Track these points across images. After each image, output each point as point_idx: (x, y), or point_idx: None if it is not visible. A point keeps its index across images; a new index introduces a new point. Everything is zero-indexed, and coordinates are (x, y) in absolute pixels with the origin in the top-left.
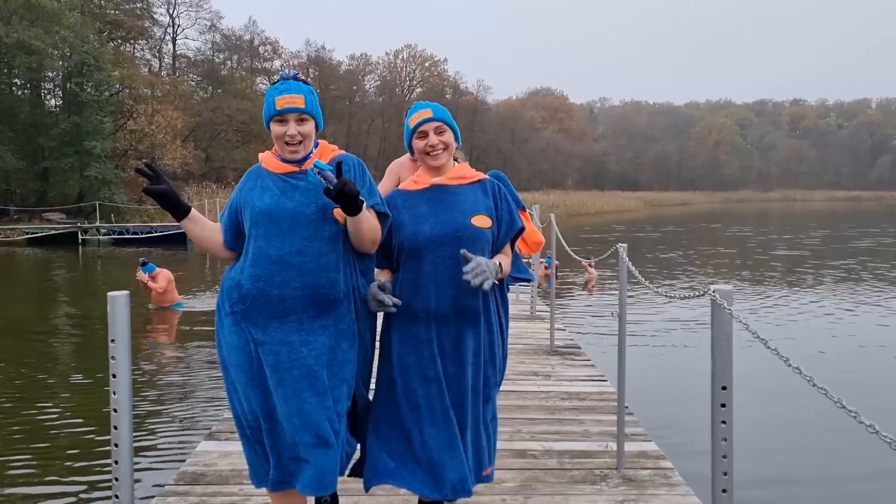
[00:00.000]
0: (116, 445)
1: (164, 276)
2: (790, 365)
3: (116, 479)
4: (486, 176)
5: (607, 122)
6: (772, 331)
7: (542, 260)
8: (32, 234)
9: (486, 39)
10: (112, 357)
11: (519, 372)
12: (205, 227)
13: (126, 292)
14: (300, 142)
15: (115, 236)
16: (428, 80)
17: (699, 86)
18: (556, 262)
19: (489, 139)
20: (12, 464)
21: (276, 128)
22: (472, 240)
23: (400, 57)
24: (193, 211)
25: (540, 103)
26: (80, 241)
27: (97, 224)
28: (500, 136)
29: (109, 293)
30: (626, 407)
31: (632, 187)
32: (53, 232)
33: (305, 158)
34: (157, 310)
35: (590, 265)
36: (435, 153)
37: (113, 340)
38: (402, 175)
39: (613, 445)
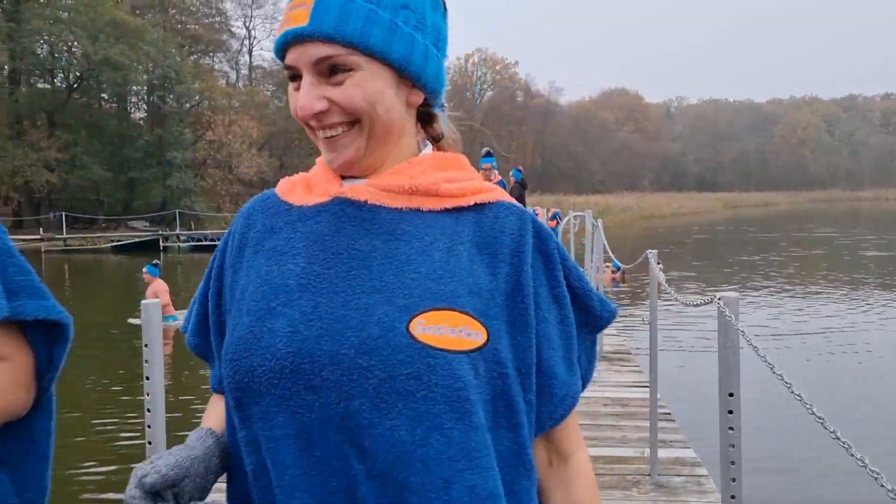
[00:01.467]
0: (150, 443)
1: (160, 287)
2: (792, 391)
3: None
4: (501, 197)
5: (685, 121)
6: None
7: (608, 264)
8: (117, 241)
9: (557, 40)
10: (146, 360)
11: None
12: None
13: (158, 300)
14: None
15: (194, 243)
16: (498, 83)
17: (782, 82)
18: (624, 266)
19: (561, 141)
20: (71, 455)
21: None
22: (417, 379)
23: (471, 61)
24: None
25: (614, 104)
26: (161, 248)
27: (177, 231)
28: (572, 139)
29: (143, 301)
30: (668, 414)
31: (711, 188)
32: (137, 240)
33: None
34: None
35: (612, 270)
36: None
37: (146, 345)
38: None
39: (649, 452)
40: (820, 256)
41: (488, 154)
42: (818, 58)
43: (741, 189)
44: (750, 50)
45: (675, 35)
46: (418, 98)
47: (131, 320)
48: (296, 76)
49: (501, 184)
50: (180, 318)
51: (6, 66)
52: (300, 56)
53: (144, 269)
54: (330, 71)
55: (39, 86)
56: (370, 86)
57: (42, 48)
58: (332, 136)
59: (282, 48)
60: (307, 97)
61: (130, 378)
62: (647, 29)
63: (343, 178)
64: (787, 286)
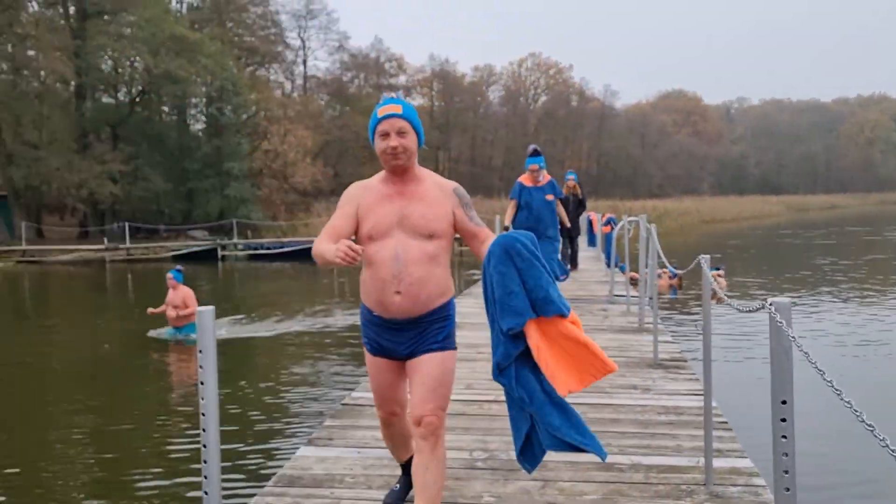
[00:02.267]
0: (205, 446)
1: (188, 294)
2: (842, 398)
3: (206, 477)
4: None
5: (746, 122)
6: None
7: (663, 269)
8: (177, 251)
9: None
10: (200, 366)
11: (617, 385)
12: None
13: (212, 307)
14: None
15: (251, 252)
16: (552, 87)
17: (848, 80)
18: (680, 271)
19: (617, 145)
20: (120, 455)
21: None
22: None
23: (524, 66)
24: None
25: (671, 106)
26: (219, 257)
27: (234, 241)
28: (628, 142)
29: (198, 308)
30: (725, 422)
31: (774, 191)
32: (196, 249)
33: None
34: (170, 339)
35: (669, 276)
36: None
37: (201, 351)
38: (363, 199)
39: (704, 461)
40: (889, 260)
41: (535, 153)
42: (887, 55)
43: (806, 191)
44: (814, 49)
45: (735, 35)
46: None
47: (152, 333)
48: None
49: (552, 184)
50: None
51: (73, 82)
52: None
53: (170, 275)
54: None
55: (104, 100)
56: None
57: (106, 64)
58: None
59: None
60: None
61: (188, 385)
62: (705, 30)
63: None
64: (850, 291)
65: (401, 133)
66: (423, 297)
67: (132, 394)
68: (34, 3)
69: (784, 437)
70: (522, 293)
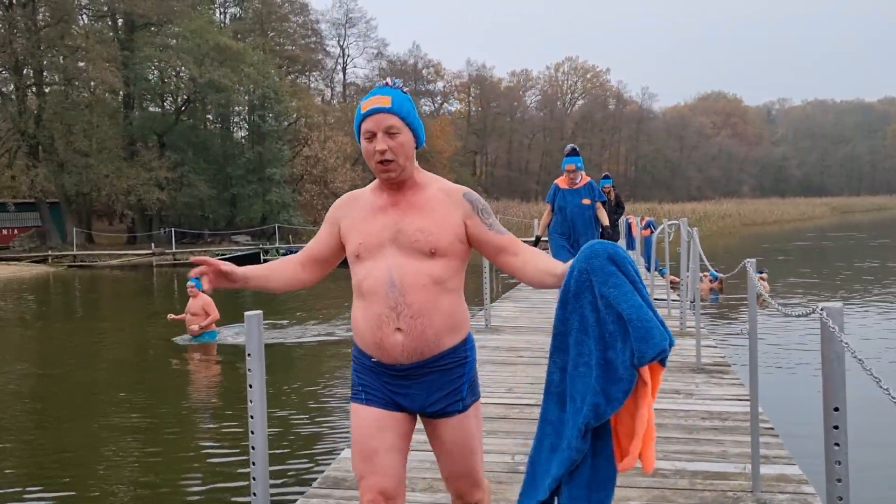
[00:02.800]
0: (253, 448)
1: (208, 302)
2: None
3: (254, 479)
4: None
5: (787, 123)
6: None
7: (705, 273)
8: (221, 255)
9: (651, 46)
10: (249, 369)
11: (659, 390)
12: None
13: (259, 312)
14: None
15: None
16: (589, 91)
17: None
18: (722, 275)
19: (655, 148)
20: (165, 457)
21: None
22: None
23: (561, 70)
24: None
25: (711, 108)
26: (262, 261)
27: (276, 245)
28: (667, 145)
29: (246, 312)
30: (771, 428)
31: (817, 193)
32: (238, 253)
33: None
34: (189, 344)
35: (710, 279)
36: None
37: (249, 354)
38: (348, 214)
39: (751, 468)
40: None
41: (572, 152)
42: None
43: (851, 193)
44: (858, 47)
45: (775, 35)
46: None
47: (177, 339)
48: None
49: (591, 186)
50: (221, 332)
51: (121, 92)
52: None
53: (190, 283)
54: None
55: (151, 109)
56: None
57: (153, 74)
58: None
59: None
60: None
61: (229, 387)
62: (743, 31)
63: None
64: None
65: (390, 133)
66: (431, 333)
67: (176, 395)
68: (84, 16)
69: (837, 444)
70: (651, 312)
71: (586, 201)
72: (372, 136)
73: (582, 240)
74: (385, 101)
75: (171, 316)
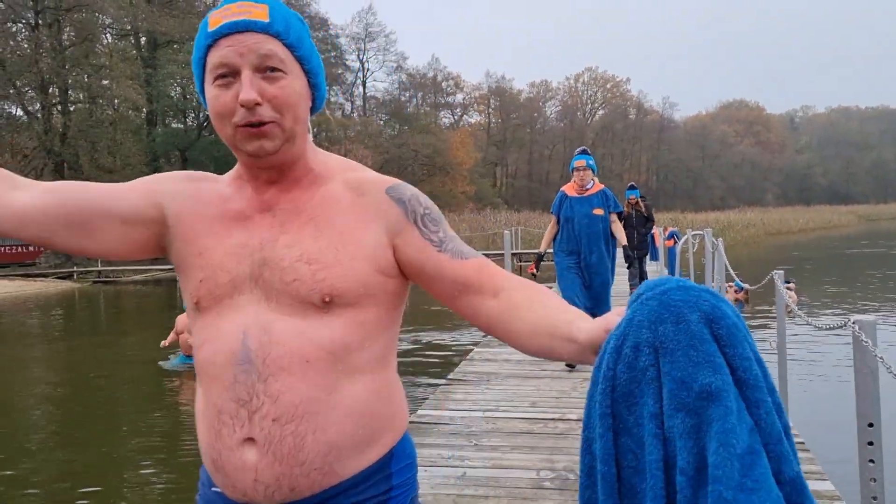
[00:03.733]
0: None
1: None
2: None
3: None
4: None
5: (811, 131)
6: None
7: (730, 284)
8: None
9: (671, 55)
10: None
11: None
12: None
13: None
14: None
15: None
16: (610, 101)
17: None
18: (747, 285)
19: (677, 158)
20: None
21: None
22: None
23: (581, 80)
24: None
25: (733, 116)
26: None
27: None
28: (688, 154)
29: None
30: (802, 443)
31: (843, 200)
32: None
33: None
34: (183, 366)
35: (735, 290)
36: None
37: None
38: (185, 208)
39: None
40: None
41: (584, 151)
42: None
43: (878, 200)
44: (882, 53)
45: (797, 42)
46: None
47: (163, 364)
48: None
49: (604, 194)
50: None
51: (144, 109)
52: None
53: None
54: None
55: (173, 125)
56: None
57: (175, 91)
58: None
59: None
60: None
61: None
62: (765, 38)
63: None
64: None
65: (267, 70)
66: (315, 452)
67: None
68: (108, 35)
69: (871, 461)
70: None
71: (598, 211)
72: (229, 77)
73: (593, 259)
74: (258, 12)
75: (164, 343)
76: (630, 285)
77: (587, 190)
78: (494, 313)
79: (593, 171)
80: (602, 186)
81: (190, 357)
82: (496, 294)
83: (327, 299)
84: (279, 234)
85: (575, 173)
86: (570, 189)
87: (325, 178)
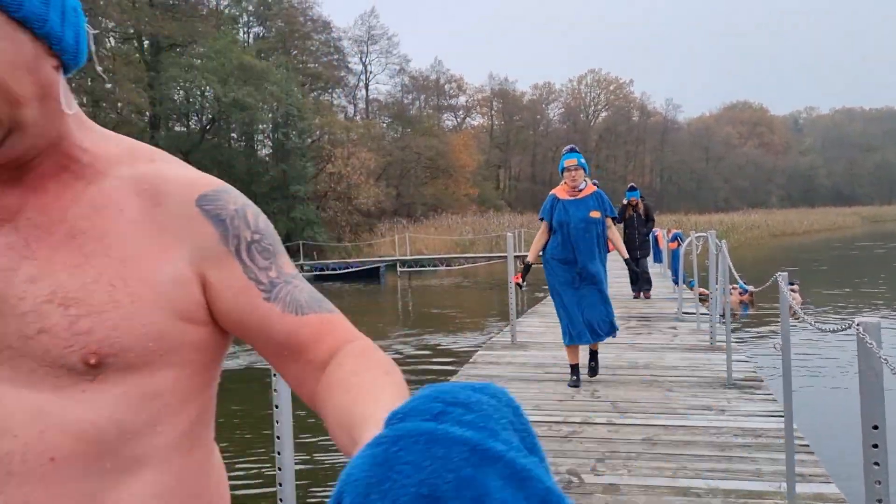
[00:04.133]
0: (280, 469)
1: None
2: None
3: (281, 500)
4: None
5: (815, 133)
6: None
7: (734, 286)
8: None
9: (674, 57)
10: (275, 390)
11: (690, 406)
12: None
13: None
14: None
15: (317, 273)
16: (613, 103)
17: None
18: (752, 287)
19: (680, 159)
20: None
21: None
22: None
23: (583, 82)
24: None
25: (736, 118)
26: None
27: (301, 262)
28: (692, 156)
29: None
30: (807, 445)
31: (847, 202)
32: None
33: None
34: None
35: (740, 292)
36: None
37: (275, 374)
38: None
39: (786, 486)
40: None
41: (574, 150)
42: None
43: (882, 202)
44: (885, 54)
45: (800, 44)
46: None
47: None
48: None
49: (599, 196)
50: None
51: (147, 112)
52: None
53: None
54: None
55: (176, 129)
56: None
57: (178, 94)
58: None
59: None
60: None
61: (260, 408)
62: (768, 39)
63: None
64: None
65: None
66: None
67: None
68: (111, 39)
69: (877, 463)
70: None
71: (595, 214)
72: None
73: (591, 268)
74: None
75: None
76: (633, 290)
77: (580, 191)
78: (317, 391)
79: (585, 171)
80: (595, 188)
81: None
82: (325, 364)
83: (93, 361)
84: (20, 260)
85: (566, 174)
86: (561, 191)
87: (101, 172)
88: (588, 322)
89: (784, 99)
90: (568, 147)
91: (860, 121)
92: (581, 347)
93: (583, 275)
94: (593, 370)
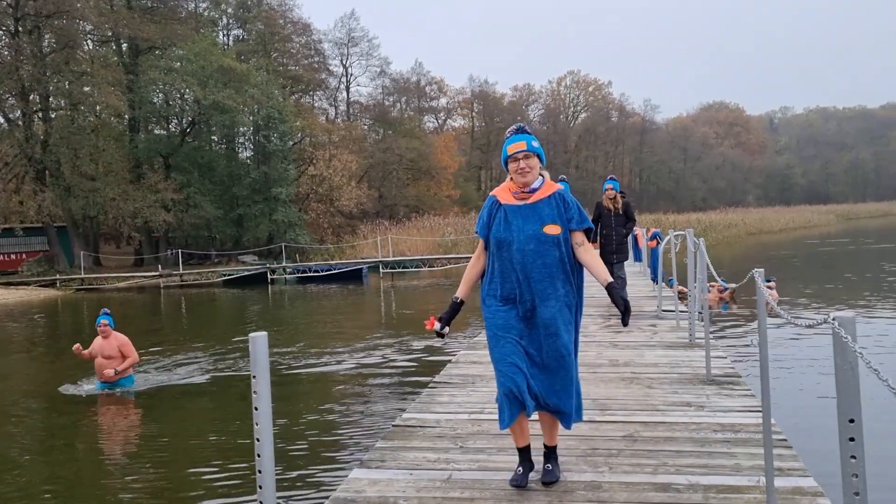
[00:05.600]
0: (260, 472)
1: (125, 342)
2: None
3: (261, 503)
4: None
5: (790, 132)
6: None
7: (714, 283)
8: (228, 275)
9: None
10: (254, 392)
11: (670, 402)
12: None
13: (265, 333)
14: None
15: (299, 274)
16: (592, 104)
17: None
18: (733, 285)
19: (659, 159)
20: (158, 493)
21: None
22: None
23: (563, 84)
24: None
25: (713, 118)
26: (269, 280)
27: (283, 264)
28: (670, 156)
29: (251, 334)
30: (785, 440)
31: (822, 200)
32: (245, 273)
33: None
34: (98, 393)
35: (719, 288)
36: None
37: (254, 376)
38: None
39: (765, 481)
40: None
41: (522, 130)
42: None
43: (856, 200)
44: (858, 55)
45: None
46: None
47: (70, 389)
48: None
49: (561, 197)
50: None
51: (126, 116)
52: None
53: (103, 320)
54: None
55: (156, 132)
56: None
57: (158, 97)
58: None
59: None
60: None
61: (241, 403)
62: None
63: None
64: None
65: None
66: None
67: (182, 417)
68: (89, 42)
69: (853, 457)
70: None
71: (552, 229)
72: None
73: (546, 313)
74: None
75: (77, 347)
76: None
77: (530, 195)
78: None
79: (541, 161)
80: (558, 187)
81: (109, 383)
82: None
83: None
84: None
85: (511, 165)
86: (504, 193)
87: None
88: (543, 400)
89: (760, 99)
90: (514, 127)
91: (834, 120)
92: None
93: (533, 321)
94: (550, 474)
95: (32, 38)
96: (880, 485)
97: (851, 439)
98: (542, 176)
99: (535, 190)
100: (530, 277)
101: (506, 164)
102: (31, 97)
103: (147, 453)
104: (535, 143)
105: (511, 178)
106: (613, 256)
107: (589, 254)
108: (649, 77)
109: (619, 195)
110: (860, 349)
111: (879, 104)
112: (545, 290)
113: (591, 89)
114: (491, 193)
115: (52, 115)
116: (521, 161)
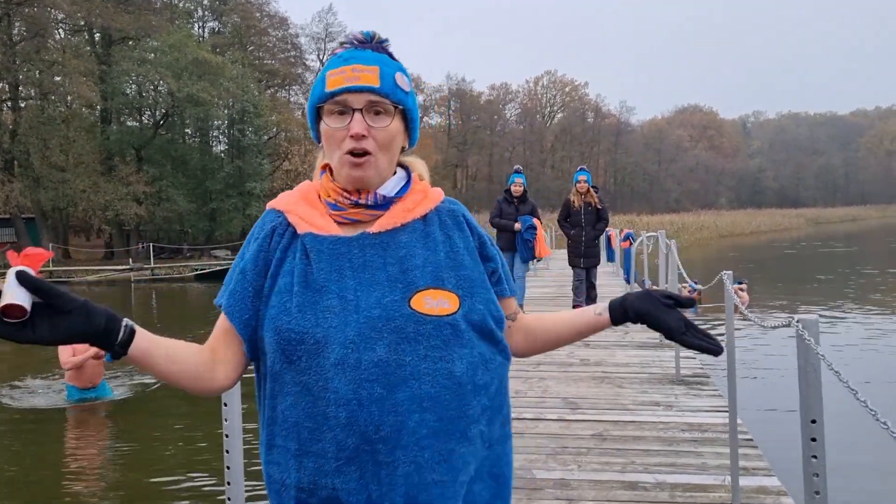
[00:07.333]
0: (229, 468)
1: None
2: (877, 419)
3: (229, 499)
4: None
5: (763, 136)
6: None
7: (684, 284)
8: (200, 270)
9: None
10: (224, 403)
11: (639, 402)
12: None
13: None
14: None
15: None
16: (568, 104)
17: (866, 92)
18: (700, 286)
19: (634, 161)
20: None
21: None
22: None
23: (540, 84)
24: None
25: (688, 121)
26: None
27: None
28: (645, 158)
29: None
30: (750, 440)
31: (793, 204)
32: (218, 268)
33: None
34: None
35: (689, 290)
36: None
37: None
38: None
39: (731, 479)
40: None
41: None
42: None
43: (825, 204)
44: (830, 61)
45: (750, 49)
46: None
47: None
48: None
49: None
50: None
51: (98, 107)
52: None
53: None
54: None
55: (128, 124)
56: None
57: (131, 88)
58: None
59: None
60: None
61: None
62: (719, 44)
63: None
64: (878, 304)
65: None
66: None
67: (152, 419)
68: (61, 31)
69: (814, 456)
70: None
71: (442, 302)
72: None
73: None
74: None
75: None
76: (574, 301)
77: (381, 210)
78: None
79: (410, 130)
80: (439, 196)
81: (83, 390)
82: None
83: None
84: None
85: (330, 130)
86: (308, 207)
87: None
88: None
89: (733, 103)
90: (350, 35)
91: (805, 125)
92: None
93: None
94: None
95: (2, 26)
96: (839, 481)
97: (813, 439)
98: (405, 169)
99: (388, 201)
100: (390, 444)
101: (317, 131)
102: None
103: (117, 458)
104: (403, 81)
105: (327, 172)
106: (581, 260)
107: (543, 319)
108: (625, 79)
109: (591, 189)
110: (822, 351)
111: (849, 110)
112: (437, 479)
113: (567, 90)
114: (271, 206)
115: (22, 105)
116: (355, 122)
